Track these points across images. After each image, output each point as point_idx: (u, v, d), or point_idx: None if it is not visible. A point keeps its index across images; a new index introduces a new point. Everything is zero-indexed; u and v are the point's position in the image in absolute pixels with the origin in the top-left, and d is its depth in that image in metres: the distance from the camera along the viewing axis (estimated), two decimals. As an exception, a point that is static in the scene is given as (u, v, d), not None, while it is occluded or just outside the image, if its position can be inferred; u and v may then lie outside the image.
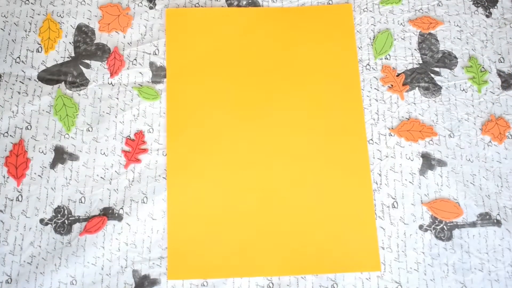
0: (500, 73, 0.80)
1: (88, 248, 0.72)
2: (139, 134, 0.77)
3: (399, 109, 0.79)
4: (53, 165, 0.76)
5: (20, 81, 0.79)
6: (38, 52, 0.81)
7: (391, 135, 0.77)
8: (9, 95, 0.79)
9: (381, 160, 0.76)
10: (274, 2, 0.84)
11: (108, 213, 0.74)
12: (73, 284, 0.71)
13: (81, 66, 0.80)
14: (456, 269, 0.71)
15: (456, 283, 0.71)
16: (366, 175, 0.75)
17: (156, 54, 0.81)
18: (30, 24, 0.82)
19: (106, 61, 0.80)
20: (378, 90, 0.79)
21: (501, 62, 0.80)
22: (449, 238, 0.73)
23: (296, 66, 0.80)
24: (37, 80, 0.80)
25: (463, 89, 0.79)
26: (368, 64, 0.81)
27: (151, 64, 0.80)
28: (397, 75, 0.80)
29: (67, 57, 0.81)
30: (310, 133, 0.77)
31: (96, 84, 0.79)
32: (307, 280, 0.71)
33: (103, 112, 0.78)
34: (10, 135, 0.77)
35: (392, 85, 0.79)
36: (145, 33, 0.82)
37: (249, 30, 0.82)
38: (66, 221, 0.74)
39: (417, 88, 0.79)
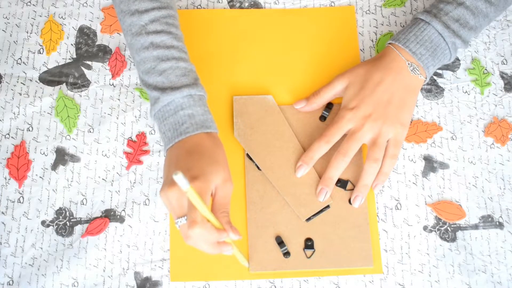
0: (503, 75, 0.80)
1: (90, 250, 0.72)
2: (141, 135, 0.77)
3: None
4: (54, 167, 0.76)
5: (21, 83, 0.79)
6: (40, 53, 0.81)
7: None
8: (10, 97, 0.78)
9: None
10: (276, 4, 0.84)
11: (110, 215, 0.73)
12: (74, 286, 0.71)
13: (82, 68, 0.80)
14: (462, 270, 0.71)
15: (462, 284, 0.71)
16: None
17: (158, 55, 0.80)
18: (32, 25, 0.82)
19: (107, 62, 0.80)
20: (380, 92, 0.79)
21: (504, 64, 0.80)
22: (453, 239, 0.73)
23: (298, 68, 0.80)
24: (38, 81, 0.79)
25: (466, 91, 0.79)
26: (370, 66, 0.80)
27: (153, 66, 0.80)
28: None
29: (69, 59, 0.81)
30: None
31: (97, 85, 0.79)
32: (309, 283, 0.71)
33: (105, 113, 0.78)
34: (12, 137, 0.77)
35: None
36: (147, 35, 0.81)
37: (251, 32, 0.82)
38: (67, 223, 0.73)
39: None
